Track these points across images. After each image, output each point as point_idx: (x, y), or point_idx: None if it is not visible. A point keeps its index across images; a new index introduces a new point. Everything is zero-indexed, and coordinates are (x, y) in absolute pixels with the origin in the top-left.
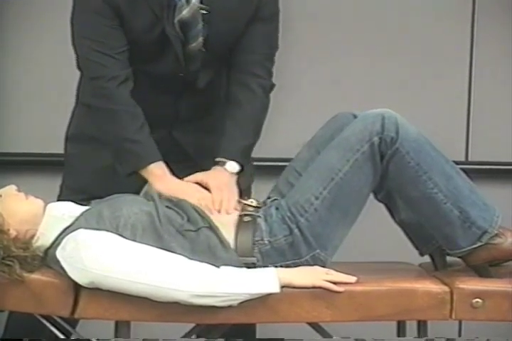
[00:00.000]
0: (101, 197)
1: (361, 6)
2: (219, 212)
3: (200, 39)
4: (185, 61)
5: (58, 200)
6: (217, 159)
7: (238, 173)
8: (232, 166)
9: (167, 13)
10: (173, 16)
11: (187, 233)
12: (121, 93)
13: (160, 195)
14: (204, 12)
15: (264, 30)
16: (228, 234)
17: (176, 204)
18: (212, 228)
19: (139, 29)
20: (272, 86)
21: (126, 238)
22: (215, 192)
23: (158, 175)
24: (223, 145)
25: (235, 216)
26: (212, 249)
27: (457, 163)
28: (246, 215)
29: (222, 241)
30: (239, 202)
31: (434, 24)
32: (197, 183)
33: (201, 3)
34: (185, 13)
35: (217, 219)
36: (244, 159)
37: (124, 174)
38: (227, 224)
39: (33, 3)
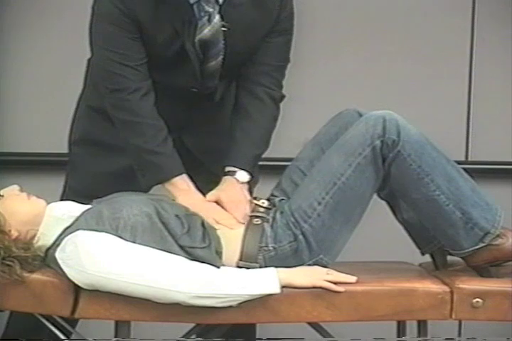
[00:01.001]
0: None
1: (362, 7)
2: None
3: (220, 58)
4: (203, 78)
5: (61, 200)
6: (227, 168)
7: (248, 182)
8: (243, 175)
9: (188, 30)
10: (194, 34)
11: (181, 247)
12: (144, 106)
13: (174, 203)
14: (224, 29)
15: (278, 42)
16: (236, 237)
17: (186, 215)
18: (209, 247)
19: (158, 43)
20: (282, 97)
21: (126, 240)
22: (232, 209)
23: (183, 189)
24: (233, 154)
25: (245, 217)
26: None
27: (457, 162)
28: (256, 217)
29: (213, 263)
30: (250, 202)
31: (434, 24)
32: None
33: (222, 20)
34: (206, 32)
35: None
36: (253, 168)
37: (147, 186)
38: (235, 230)
39: (33, 3)
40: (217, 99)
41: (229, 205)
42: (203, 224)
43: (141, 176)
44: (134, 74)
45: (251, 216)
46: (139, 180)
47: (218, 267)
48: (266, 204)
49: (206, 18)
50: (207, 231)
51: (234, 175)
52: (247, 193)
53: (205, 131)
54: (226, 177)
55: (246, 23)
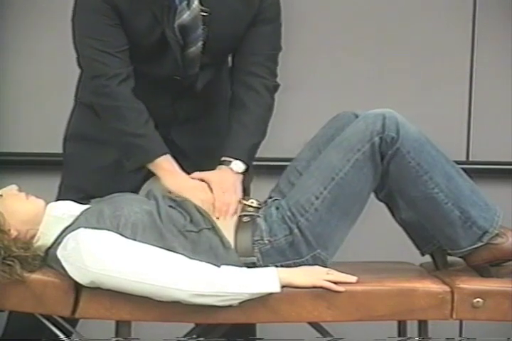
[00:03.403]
0: (100, 197)
1: (362, 6)
2: (218, 218)
3: (200, 44)
4: (184, 65)
5: (58, 200)
6: (223, 158)
7: (244, 173)
8: (238, 165)
9: (167, 16)
10: (174, 20)
11: (189, 234)
12: (122, 91)
13: (164, 195)
14: (204, 14)
15: (266, 31)
16: (228, 235)
17: (180, 204)
18: (214, 229)
19: (139, 31)
20: (276, 86)
21: (127, 237)
22: (217, 193)
23: (167, 169)
24: (228, 144)
25: (234, 217)
26: (213, 250)
27: (458, 162)
28: (245, 216)
29: (223, 242)
30: (239, 202)
31: (435, 24)
32: (201, 180)
33: (201, 5)
34: (185, 17)
35: (218, 220)
36: (249, 159)
37: (132, 170)
38: (227, 225)
39: (33, 3)
40: (198, 89)
41: (216, 188)
42: (197, 209)
43: (126, 160)
44: (113, 61)
45: (240, 216)
46: (125, 165)
47: (219, 266)
48: (255, 203)
49: (185, 3)
50: (203, 216)
51: (229, 164)
52: (239, 185)
53: (195, 128)
54: (220, 166)
55: (227, 10)
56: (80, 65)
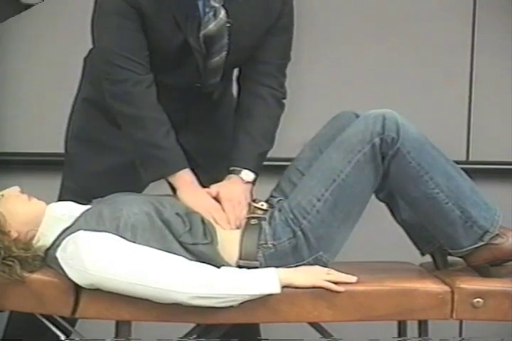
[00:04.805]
0: (101, 197)
1: (362, 7)
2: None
3: (224, 54)
4: (205, 74)
5: (59, 200)
6: (232, 168)
7: (253, 181)
8: (247, 174)
9: (191, 26)
10: (198, 29)
11: (184, 244)
12: (146, 98)
13: (175, 202)
14: (229, 25)
15: (279, 41)
16: (233, 241)
17: (187, 214)
18: (212, 244)
19: (159, 37)
20: (285, 96)
21: (127, 239)
22: (227, 209)
23: (187, 182)
24: (236, 154)
25: (243, 220)
26: (207, 262)
27: (458, 162)
28: (253, 218)
29: (214, 259)
30: (249, 204)
31: (435, 24)
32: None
33: (227, 17)
34: (211, 27)
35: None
36: (257, 167)
37: (149, 180)
38: (234, 230)
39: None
40: (215, 98)
41: (226, 204)
42: (203, 221)
43: (143, 171)
44: (136, 67)
45: (248, 217)
46: (141, 175)
47: (219, 267)
48: (265, 206)
49: (212, 13)
50: (207, 228)
51: (239, 174)
52: (248, 195)
53: (203, 132)
54: (231, 175)
55: (249, 20)
56: (103, 71)
